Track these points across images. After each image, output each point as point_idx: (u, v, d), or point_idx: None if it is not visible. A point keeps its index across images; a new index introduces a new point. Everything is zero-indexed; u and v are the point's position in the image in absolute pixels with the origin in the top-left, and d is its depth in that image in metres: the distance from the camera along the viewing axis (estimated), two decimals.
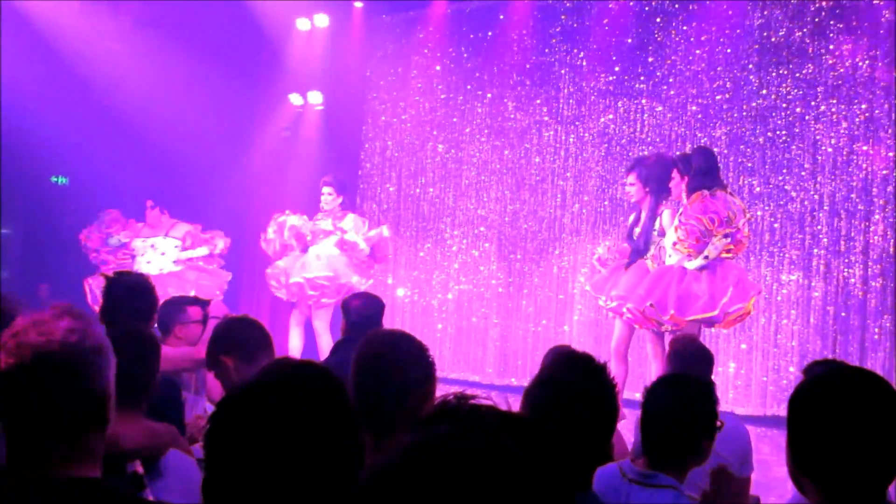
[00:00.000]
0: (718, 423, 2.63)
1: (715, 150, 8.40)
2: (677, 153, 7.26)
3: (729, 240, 6.28)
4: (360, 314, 4.28)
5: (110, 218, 8.81)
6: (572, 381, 2.02)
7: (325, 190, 8.26)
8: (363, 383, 2.10)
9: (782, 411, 7.07)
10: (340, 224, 8.18)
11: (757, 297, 6.45)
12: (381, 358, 2.14)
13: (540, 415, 1.97)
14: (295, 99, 10.26)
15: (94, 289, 8.14)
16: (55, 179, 10.93)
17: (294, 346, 8.02)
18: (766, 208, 8.15)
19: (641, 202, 6.80)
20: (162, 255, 8.60)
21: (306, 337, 8.13)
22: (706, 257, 6.27)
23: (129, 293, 3.80)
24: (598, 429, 2.02)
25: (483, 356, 9.57)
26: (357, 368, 2.14)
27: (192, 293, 7.42)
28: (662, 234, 6.59)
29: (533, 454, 0.96)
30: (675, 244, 6.35)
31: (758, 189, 8.21)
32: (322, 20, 10.08)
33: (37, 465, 1.54)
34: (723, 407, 8.26)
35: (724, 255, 6.33)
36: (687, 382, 2.71)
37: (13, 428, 1.56)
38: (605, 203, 9.02)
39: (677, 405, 2.58)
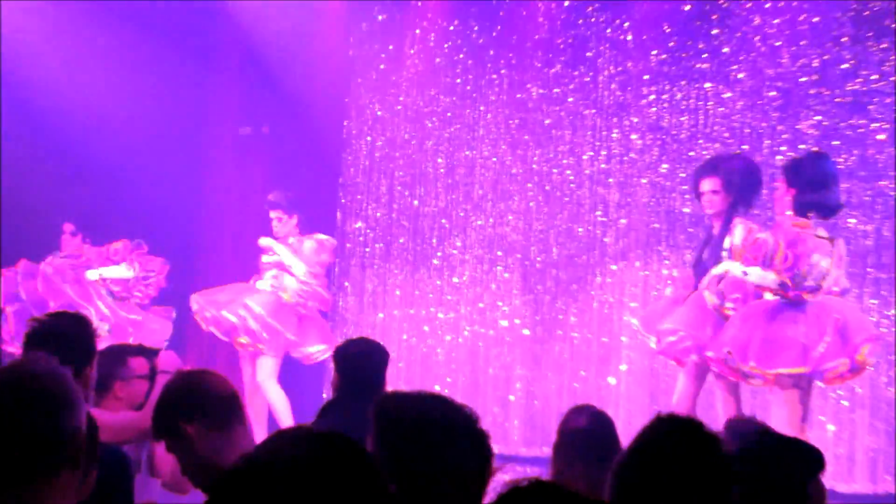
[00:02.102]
0: None
1: (801, 146, 8.51)
2: (788, 157, 7.32)
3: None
4: (359, 367, 4.31)
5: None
6: (679, 455, 2.04)
7: (273, 215, 8.62)
8: (399, 469, 2.12)
9: None
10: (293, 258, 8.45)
11: (872, 344, 6.41)
12: (423, 438, 2.17)
13: (635, 497, 2.00)
14: (257, 87, 10.29)
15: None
16: None
17: (280, 404, 8.19)
18: (870, 221, 8.18)
19: (720, 215, 6.84)
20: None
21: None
22: (746, 273, 6.36)
23: (55, 341, 3.80)
24: None
25: (505, 418, 9.56)
26: (388, 448, 2.16)
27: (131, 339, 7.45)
28: (732, 255, 6.62)
29: None
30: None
31: (855, 197, 8.24)
32: None
33: None
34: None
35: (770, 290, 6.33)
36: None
37: None
38: (661, 217, 9.06)
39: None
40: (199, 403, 3.14)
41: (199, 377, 3.33)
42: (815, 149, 7.60)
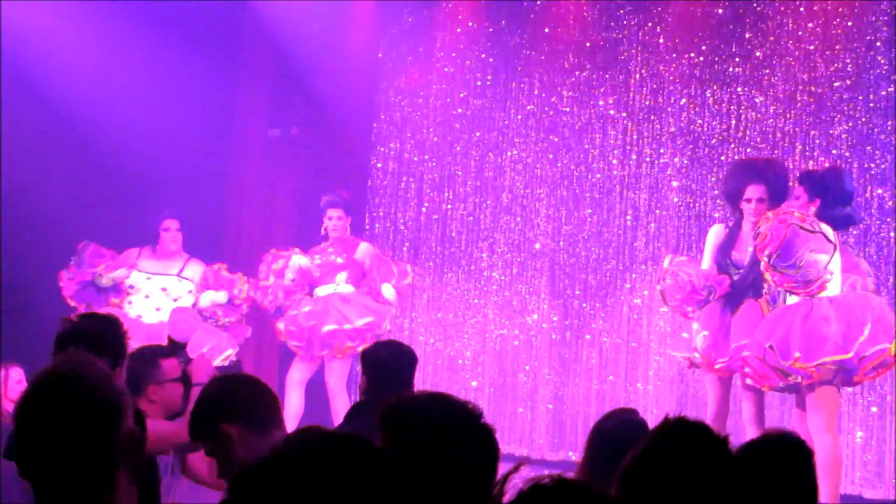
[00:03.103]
0: None
1: (834, 151, 8.52)
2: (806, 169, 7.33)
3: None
4: (388, 370, 4.35)
5: (90, 252, 8.63)
6: (685, 458, 2.07)
7: (333, 213, 8.49)
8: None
9: None
10: (355, 256, 8.49)
11: None
12: (426, 436, 2.19)
13: (640, 499, 2.04)
14: (286, 89, 10.34)
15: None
16: None
17: (293, 410, 8.11)
18: None
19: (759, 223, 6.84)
20: (175, 300, 8.39)
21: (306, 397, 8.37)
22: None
23: (85, 342, 3.85)
24: None
25: (532, 423, 9.59)
26: (394, 450, 2.17)
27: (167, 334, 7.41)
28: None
29: None
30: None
31: (890, 203, 8.23)
32: None
33: None
34: (848, 489, 8.16)
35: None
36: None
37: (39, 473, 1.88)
38: (691, 222, 9.07)
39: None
40: (239, 405, 3.15)
41: (238, 380, 3.36)
42: (836, 164, 7.63)
